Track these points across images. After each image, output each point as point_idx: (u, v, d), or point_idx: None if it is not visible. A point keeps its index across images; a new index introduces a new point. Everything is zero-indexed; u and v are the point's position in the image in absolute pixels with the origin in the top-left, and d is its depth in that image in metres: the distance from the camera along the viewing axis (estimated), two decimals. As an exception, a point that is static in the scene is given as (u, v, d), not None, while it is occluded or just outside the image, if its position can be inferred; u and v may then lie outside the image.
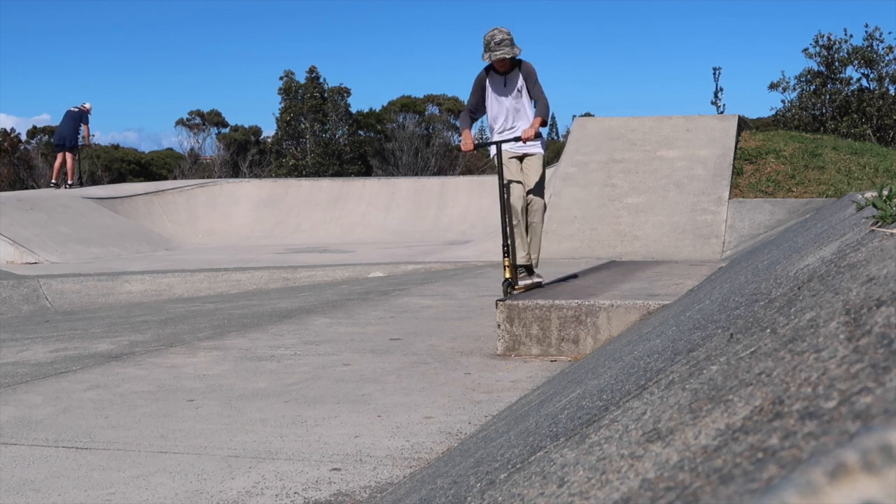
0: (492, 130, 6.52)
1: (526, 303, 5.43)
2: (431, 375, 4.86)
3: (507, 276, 6.09)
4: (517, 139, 6.21)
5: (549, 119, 6.34)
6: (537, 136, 6.24)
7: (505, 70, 6.28)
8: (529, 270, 6.39)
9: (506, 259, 6.09)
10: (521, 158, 6.39)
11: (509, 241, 6.14)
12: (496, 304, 5.52)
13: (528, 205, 6.32)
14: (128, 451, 3.55)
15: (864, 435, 0.71)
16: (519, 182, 6.30)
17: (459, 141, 6.36)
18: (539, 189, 6.40)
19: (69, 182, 19.34)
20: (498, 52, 6.10)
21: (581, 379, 3.38)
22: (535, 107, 6.37)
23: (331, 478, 3.16)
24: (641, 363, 2.60)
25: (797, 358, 1.34)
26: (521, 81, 6.29)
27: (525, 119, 6.37)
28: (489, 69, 6.33)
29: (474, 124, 6.59)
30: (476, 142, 6.34)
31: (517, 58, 6.28)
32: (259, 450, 3.52)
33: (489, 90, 6.36)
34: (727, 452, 1.06)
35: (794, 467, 0.83)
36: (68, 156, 19.02)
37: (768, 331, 1.75)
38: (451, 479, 2.37)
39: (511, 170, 6.30)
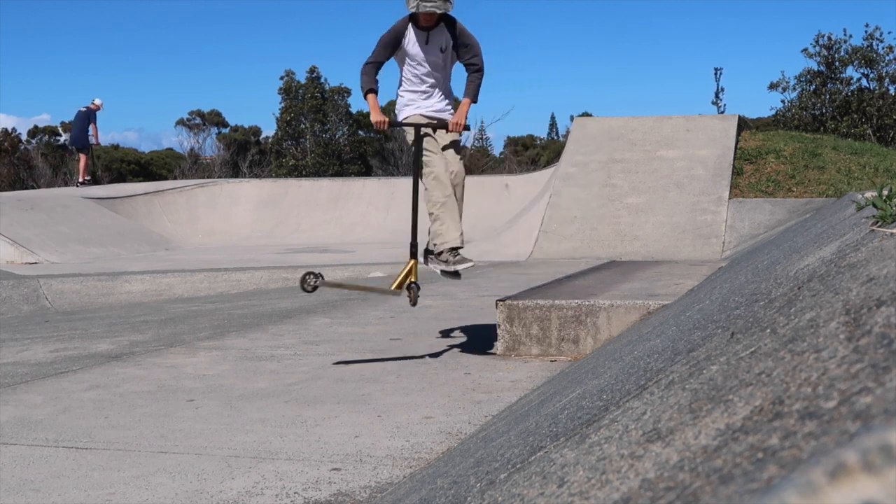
0: (399, 95, 5.56)
1: (526, 303, 5.43)
2: (431, 375, 4.86)
3: (412, 278, 5.27)
4: (443, 125, 5.32)
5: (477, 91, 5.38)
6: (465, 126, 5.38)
7: (429, 25, 5.25)
8: (454, 251, 5.44)
9: (412, 261, 5.29)
10: (433, 128, 5.43)
11: (439, 223, 5.35)
12: (496, 304, 5.52)
13: (452, 175, 5.37)
14: (128, 451, 3.55)
15: (864, 435, 0.71)
16: (437, 153, 5.33)
17: (366, 98, 5.36)
18: (459, 156, 5.51)
19: (80, 180, 19.51)
20: (428, 5, 5.09)
21: (581, 379, 3.38)
22: (467, 77, 5.40)
23: (331, 478, 3.16)
24: (641, 363, 2.60)
25: (797, 358, 1.34)
26: (447, 41, 5.29)
27: (446, 90, 5.49)
28: (411, 19, 5.29)
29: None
30: (391, 120, 5.38)
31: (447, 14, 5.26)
32: (259, 450, 3.52)
33: (407, 46, 5.31)
34: (727, 452, 1.06)
35: (794, 467, 0.83)
36: (81, 155, 19.31)
37: (768, 331, 1.75)
38: (451, 479, 2.37)
39: (430, 141, 5.35)
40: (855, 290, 1.62)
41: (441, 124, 5.35)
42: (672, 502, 0.99)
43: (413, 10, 5.15)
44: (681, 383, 1.75)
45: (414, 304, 5.42)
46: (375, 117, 5.32)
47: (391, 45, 5.32)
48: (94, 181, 21.28)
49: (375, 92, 5.32)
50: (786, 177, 13.70)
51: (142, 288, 10.39)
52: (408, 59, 5.33)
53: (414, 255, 5.46)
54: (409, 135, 5.42)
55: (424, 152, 5.32)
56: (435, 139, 5.35)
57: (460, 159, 5.48)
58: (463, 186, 5.46)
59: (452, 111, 5.44)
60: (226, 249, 15.37)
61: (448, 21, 5.29)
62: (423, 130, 5.34)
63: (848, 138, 20.99)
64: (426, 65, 5.35)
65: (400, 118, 5.47)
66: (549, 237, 12.84)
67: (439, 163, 5.31)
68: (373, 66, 5.34)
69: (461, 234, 5.44)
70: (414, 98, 5.44)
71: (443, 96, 5.47)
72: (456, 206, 5.37)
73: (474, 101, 5.34)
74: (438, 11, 5.14)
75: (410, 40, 5.30)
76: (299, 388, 4.64)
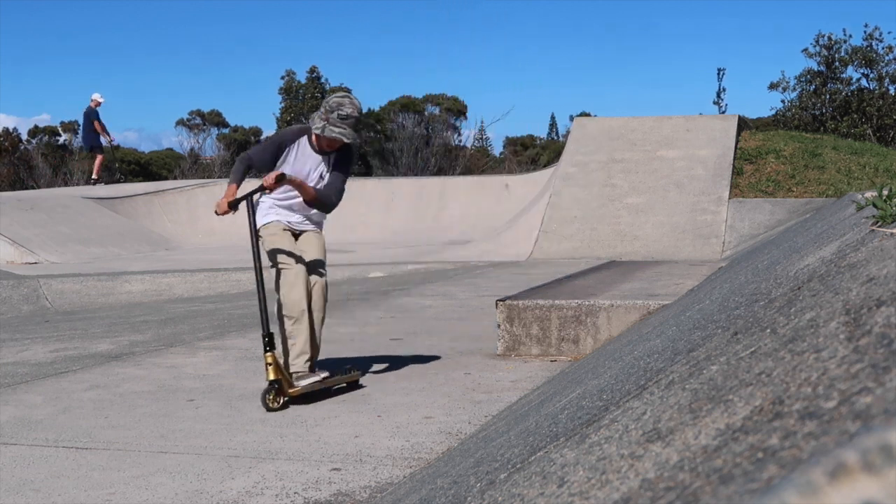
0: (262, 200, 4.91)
1: (526, 303, 5.43)
2: (431, 375, 4.86)
3: (273, 377, 4.31)
4: (262, 189, 4.61)
5: (329, 208, 4.85)
6: (316, 207, 4.77)
7: (329, 150, 4.72)
8: (312, 367, 4.65)
9: (268, 354, 4.33)
10: (296, 235, 4.85)
11: (283, 340, 4.62)
12: (496, 304, 5.52)
13: (310, 290, 4.70)
14: (128, 451, 3.55)
15: (864, 435, 0.71)
16: (296, 260, 4.68)
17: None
18: (322, 269, 4.82)
19: (93, 178, 19.73)
20: (336, 131, 4.58)
21: (581, 379, 3.38)
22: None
23: (331, 478, 3.15)
24: (641, 363, 2.60)
25: (797, 358, 1.34)
26: (330, 166, 4.75)
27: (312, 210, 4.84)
28: (305, 134, 4.75)
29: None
30: (236, 198, 4.61)
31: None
32: (259, 450, 3.52)
33: (291, 159, 4.73)
34: (727, 452, 1.06)
35: (794, 467, 0.83)
36: (97, 155, 19.61)
37: (768, 331, 1.75)
38: (451, 479, 2.37)
39: (284, 241, 4.74)
40: (855, 290, 1.62)
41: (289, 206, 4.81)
42: (672, 502, 0.99)
43: (317, 131, 4.60)
44: (681, 383, 1.75)
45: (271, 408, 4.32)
46: (219, 206, 4.64)
47: (273, 153, 4.77)
48: (114, 179, 21.37)
49: (237, 183, 4.68)
50: (786, 177, 13.70)
51: (142, 288, 10.39)
52: (288, 170, 4.71)
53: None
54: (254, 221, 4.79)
55: (275, 252, 4.73)
56: (291, 241, 4.80)
57: (322, 272, 4.84)
58: (323, 302, 4.79)
59: (315, 225, 4.92)
60: (226, 249, 15.37)
61: (345, 147, 4.77)
62: (277, 226, 4.81)
63: (848, 138, 20.99)
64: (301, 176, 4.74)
65: (260, 223, 4.81)
66: (549, 237, 12.84)
67: (288, 273, 4.69)
68: (243, 161, 4.83)
69: (310, 357, 4.64)
70: (276, 201, 4.86)
71: (310, 215, 4.92)
72: (307, 325, 4.65)
73: (321, 200, 4.69)
74: (346, 141, 4.64)
75: (295, 155, 4.75)
76: (299, 388, 4.63)
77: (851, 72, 29.11)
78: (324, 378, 4.52)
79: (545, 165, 23.92)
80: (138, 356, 5.73)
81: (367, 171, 36.29)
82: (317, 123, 4.61)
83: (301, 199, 4.68)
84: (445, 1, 71.53)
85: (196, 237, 17.68)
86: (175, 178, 33.20)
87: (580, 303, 5.35)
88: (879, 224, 2.71)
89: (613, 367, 3.03)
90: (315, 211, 4.83)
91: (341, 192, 4.78)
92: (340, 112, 4.57)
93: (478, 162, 38.47)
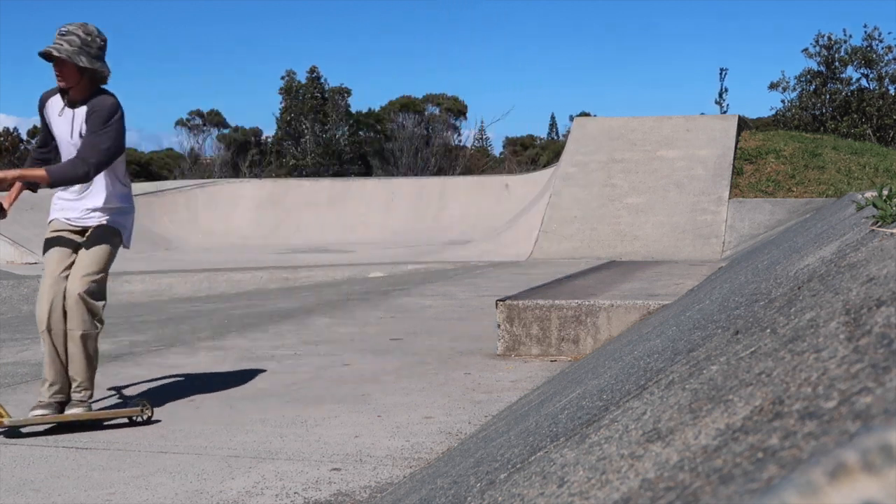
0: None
1: (526, 303, 5.43)
2: (431, 375, 4.86)
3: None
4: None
5: (82, 178, 3.82)
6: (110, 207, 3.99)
7: (72, 93, 3.93)
8: (65, 402, 3.92)
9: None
10: (81, 232, 4.01)
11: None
12: (496, 304, 5.52)
13: (64, 305, 3.86)
14: (128, 451, 3.55)
15: (864, 435, 0.71)
16: (54, 268, 3.91)
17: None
18: (87, 275, 3.90)
19: None
20: (51, 47, 3.83)
21: (581, 379, 3.38)
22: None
23: (331, 478, 3.16)
24: (641, 363, 2.60)
25: (797, 358, 1.34)
26: (82, 117, 3.91)
27: (96, 185, 3.97)
28: (55, 92, 4.03)
29: None
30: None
31: (91, 77, 3.93)
32: (259, 450, 3.52)
33: (52, 127, 4.03)
34: (727, 452, 1.06)
35: (794, 467, 0.83)
36: None
37: (768, 331, 1.75)
38: (451, 479, 2.37)
39: (51, 244, 3.98)
40: (855, 290, 1.62)
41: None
42: (672, 502, 0.99)
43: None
44: (681, 383, 1.75)
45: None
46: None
47: (43, 124, 4.13)
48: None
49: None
50: (786, 177, 13.70)
51: (142, 288, 10.39)
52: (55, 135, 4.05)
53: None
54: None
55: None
56: (67, 251, 3.97)
57: (88, 278, 3.91)
58: (80, 317, 3.89)
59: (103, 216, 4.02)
60: (226, 249, 15.37)
61: (96, 93, 3.96)
62: (56, 224, 4.03)
63: (848, 138, 21.00)
64: (64, 143, 3.99)
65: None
66: (549, 237, 12.85)
67: (45, 280, 3.93)
68: (34, 151, 4.21)
69: (60, 386, 3.93)
70: (58, 199, 4.11)
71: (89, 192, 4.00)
72: (55, 346, 3.89)
73: (45, 178, 3.76)
74: (56, 53, 3.82)
75: (49, 112, 4.05)
76: (299, 388, 4.64)
77: (851, 72, 29.13)
78: (58, 414, 3.82)
79: (545, 165, 23.92)
80: (138, 356, 5.73)
81: (367, 171, 36.29)
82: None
83: (84, 192, 3.97)
84: (445, 1, 71.53)
85: (196, 237, 17.68)
86: (175, 178, 33.20)
87: (580, 303, 5.35)
88: (879, 224, 2.71)
89: (613, 367, 3.03)
90: (99, 197, 3.98)
91: (98, 148, 3.80)
92: (61, 30, 3.87)
93: (478, 162, 38.46)
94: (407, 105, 39.15)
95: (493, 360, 5.29)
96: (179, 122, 41.16)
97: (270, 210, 18.58)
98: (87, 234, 3.98)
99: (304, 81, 37.88)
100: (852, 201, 5.12)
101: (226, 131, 41.25)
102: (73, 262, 3.90)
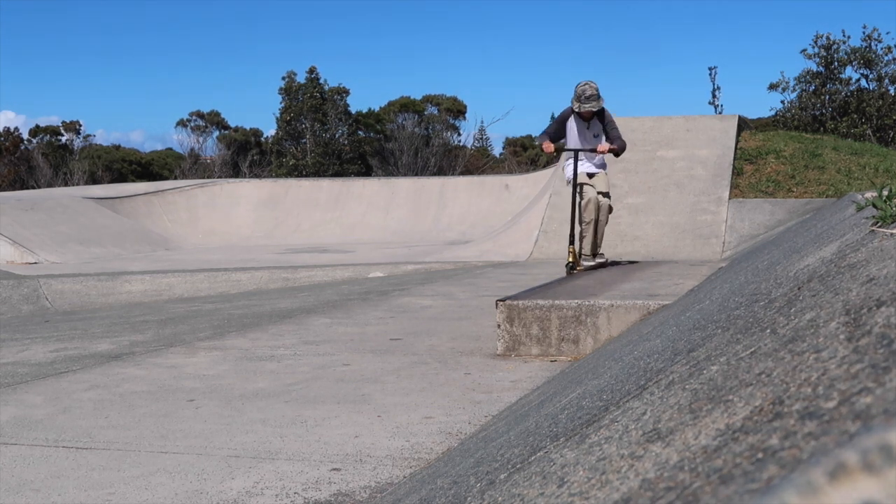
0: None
1: (526, 303, 5.43)
2: (431, 375, 4.86)
3: (570, 259, 7.93)
4: (593, 150, 7.99)
5: (623, 149, 8.23)
6: (606, 159, 8.21)
7: (588, 117, 8.00)
8: (594, 254, 8.25)
9: (571, 247, 7.95)
10: (590, 176, 8.15)
11: (578, 233, 8.10)
12: (496, 304, 5.52)
13: (598, 205, 8.07)
14: (128, 451, 3.55)
15: (864, 435, 0.71)
16: (592, 186, 8.07)
17: (538, 144, 8.21)
18: (606, 195, 8.18)
19: None
20: (587, 106, 7.86)
21: (581, 379, 3.38)
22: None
23: (331, 478, 3.16)
24: (641, 363, 2.60)
25: (797, 358, 1.34)
26: (599, 127, 8.08)
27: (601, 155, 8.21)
28: (571, 112, 8.00)
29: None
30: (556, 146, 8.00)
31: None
32: (259, 450, 3.52)
33: (571, 128, 8.08)
34: (727, 452, 1.06)
35: (794, 467, 0.83)
36: None
37: (768, 331, 1.75)
38: (451, 479, 2.37)
39: (584, 179, 8.05)
40: (855, 291, 1.62)
41: (591, 149, 8.11)
42: (672, 502, 0.99)
43: (576, 110, 7.96)
44: (681, 383, 1.75)
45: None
46: (546, 148, 7.91)
47: (560, 125, 8.16)
48: None
49: (548, 142, 7.95)
50: (786, 177, 13.70)
51: (142, 288, 10.39)
52: (574, 136, 8.14)
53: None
54: (565, 169, 8.47)
55: (579, 182, 8.09)
56: (587, 179, 8.19)
57: (607, 196, 8.24)
58: (606, 213, 8.25)
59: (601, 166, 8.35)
60: (226, 249, 15.37)
61: (600, 112, 8.07)
62: (580, 176, 8.15)
63: (848, 138, 21.00)
64: (585, 141, 8.14)
65: (568, 173, 8.27)
66: (549, 237, 12.85)
67: (588, 189, 8.08)
68: (545, 135, 8.00)
69: (593, 244, 8.24)
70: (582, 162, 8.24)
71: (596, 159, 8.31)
72: (595, 225, 8.17)
73: (614, 150, 8.05)
74: (594, 111, 7.95)
75: (573, 125, 8.11)
76: (299, 388, 4.64)
77: (850, 72, 29.13)
78: (603, 261, 8.39)
79: (545, 165, 23.90)
80: (138, 356, 5.73)
81: (367, 171, 36.29)
82: (575, 106, 7.95)
83: (597, 154, 8.12)
84: (445, 1, 71.46)
85: (196, 237, 17.68)
86: (175, 178, 33.21)
87: (580, 303, 5.35)
88: (879, 224, 2.71)
89: (613, 368, 3.03)
90: (598, 159, 8.20)
91: (622, 139, 8.13)
92: (585, 95, 7.91)
93: (478, 162, 38.48)
94: (406, 105, 39.15)
95: (493, 360, 5.29)
96: (180, 123, 41.18)
97: (270, 210, 18.58)
98: (595, 176, 8.30)
99: (303, 82, 37.87)
100: (852, 202, 5.12)
101: (226, 132, 41.27)
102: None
